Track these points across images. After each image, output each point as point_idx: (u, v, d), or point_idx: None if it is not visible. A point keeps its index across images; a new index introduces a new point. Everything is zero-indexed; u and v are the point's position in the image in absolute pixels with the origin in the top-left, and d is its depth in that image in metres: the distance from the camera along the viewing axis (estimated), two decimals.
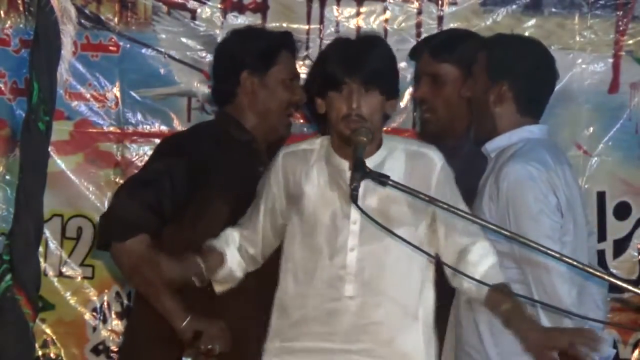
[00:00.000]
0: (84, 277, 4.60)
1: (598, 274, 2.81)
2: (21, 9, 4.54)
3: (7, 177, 4.49)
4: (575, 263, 2.84)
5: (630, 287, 2.75)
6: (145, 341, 3.69)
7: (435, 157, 3.48)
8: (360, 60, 3.38)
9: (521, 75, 3.60)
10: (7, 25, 4.56)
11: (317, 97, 3.47)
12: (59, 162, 4.54)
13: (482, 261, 3.39)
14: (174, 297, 3.57)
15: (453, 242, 3.44)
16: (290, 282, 3.47)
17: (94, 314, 4.61)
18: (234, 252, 3.54)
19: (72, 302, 4.60)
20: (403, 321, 3.41)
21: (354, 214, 3.39)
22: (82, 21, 4.50)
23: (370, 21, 4.63)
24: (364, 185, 3.28)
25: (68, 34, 3.40)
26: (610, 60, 4.64)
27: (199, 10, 4.61)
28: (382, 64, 3.44)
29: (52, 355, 4.59)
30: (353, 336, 3.37)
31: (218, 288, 3.56)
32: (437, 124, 3.94)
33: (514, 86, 3.58)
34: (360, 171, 3.11)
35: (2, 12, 4.55)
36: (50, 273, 4.59)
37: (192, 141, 3.76)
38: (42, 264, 4.50)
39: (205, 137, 3.77)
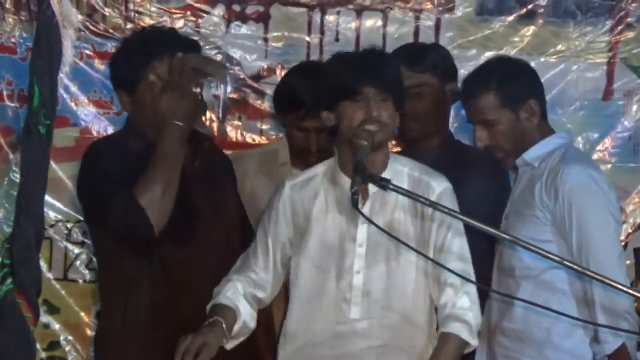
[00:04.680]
0: (89, 281, 4.45)
1: (598, 277, 2.63)
2: (28, 17, 4.39)
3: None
4: (575, 267, 2.68)
5: (629, 291, 2.57)
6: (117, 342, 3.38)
7: (434, 184, 3.19)
8: (377, 68, 3.13)
9: (541, 88, 3.59)
10: (14, 34, 4.41)
11: (324, 110, 3.20)
12: (64, 168, 4.36)
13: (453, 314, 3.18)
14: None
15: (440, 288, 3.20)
16: (296, 307, 3.23)
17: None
18: (244, 304, 3.19)
19: (76, 305, 4.44)
20: (414, 343, 3.19)
21: (360, 236, 3.16)
22: (88, 30, 4.39)
23: (369, 30, 4.49)
24: (370, 208, 3.15)
25: (69, 38, 3.26)
26: (605, 67, 4.49)
27: (202, 20, 4.48)
28: (396, 73, 3.20)
29: (57, 357, 4.44)
30: (362, 359, 3.16)
31: (229, 345, 3.15)
32: (419, 131, 3.80)
33: (537, 99, 3.52)
34: (361, 175, 2.80)
35: (9, 21, 4.41)
36: (56, 277, 4.44)
37: (98, 164, 3.37)
38: (48, 269, 4.40)
39: (105, 153, 3.36)
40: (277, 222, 3.25)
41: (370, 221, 2.85)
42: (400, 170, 3.23)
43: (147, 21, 4.43)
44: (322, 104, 3.24)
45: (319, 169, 3.28)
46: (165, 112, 3.22)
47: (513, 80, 3.50)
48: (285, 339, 3.26)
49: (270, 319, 3.57)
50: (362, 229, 3.16)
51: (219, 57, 4.34)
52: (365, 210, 3.11)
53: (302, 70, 3.94)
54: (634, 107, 4.50)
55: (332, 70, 3.23)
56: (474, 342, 3.19)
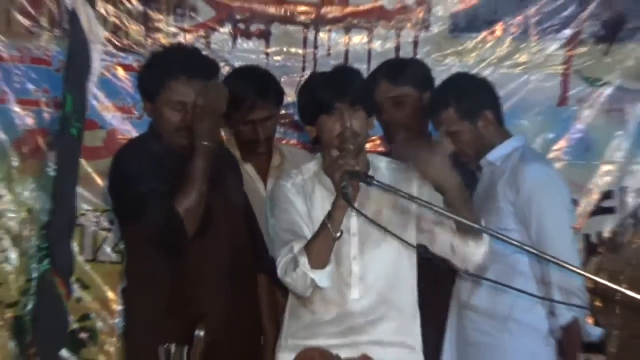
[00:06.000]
0: (115, 262, 4.41)
1: (554, 260, 2.61)
2: (61, 34, 4.32)
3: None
4: (535, 252, 2.66)
5: (581, 272, 2.52)
6: (143, 321, 3.34)
7: (413, 174, 3.20)
8: (346, 84, 3.17)
9: (495, 99, 3.61)
10: (49, 48, 4.37)
11: (307, 125, 3.23)
12: (93, 165, 4.33)
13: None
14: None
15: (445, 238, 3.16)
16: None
17: None
18: None
19: (104, 284, 4.41)
20: (405, 317, 3.20)
21: (354, 227, 3.17)
22: (113, 45, 4.37)
23: (356, 45, 4.52)
24: (359, 200, 3.07)
25: (97, 52, 3.26)
26: (560, 78, 4.51)
27: (212, 37, 4.49)
28: (363, 86, 3.26)
29: (88, 327, 4.40)
30: (363, 331, 3.16)
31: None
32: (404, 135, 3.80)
33: (492, 109, 3.56)
34: (350, 172, 2.90)
35: (45, 37, 4.37)
36: (87, 259, 4.41)
37: (127, 168, 3.32)
38: (80, 252, 4.35)
39: (135, 155, 3.35)
40: (295, 202, 3.19)
41: (360, 213, 2.93)
42: (382, 165, 3.29)
43: (165, 38, 4.43)
44: (303, 120, 3.31)
45: (310, 171, 3.28)
46: (200, 135, 3.24)
47: (469, 95, 3.56)
48: (291, 317, 3.25)
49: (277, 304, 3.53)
50: (354, 220, 3.18)
51: (227, 69, 4.33)
52: (356, 203, 3.05)
53: (237, 73, 3.97)
54: (586, 113, 4.56)
55: (309, 89, 3.28)
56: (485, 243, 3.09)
